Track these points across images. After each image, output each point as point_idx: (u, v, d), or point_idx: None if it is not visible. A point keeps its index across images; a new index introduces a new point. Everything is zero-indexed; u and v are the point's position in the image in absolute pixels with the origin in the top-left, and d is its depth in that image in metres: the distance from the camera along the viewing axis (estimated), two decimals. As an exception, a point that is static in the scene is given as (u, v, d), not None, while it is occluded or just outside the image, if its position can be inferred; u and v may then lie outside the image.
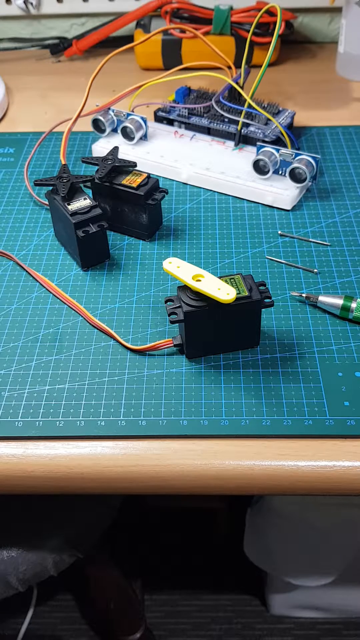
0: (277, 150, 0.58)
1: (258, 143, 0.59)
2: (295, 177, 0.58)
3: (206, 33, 0.75)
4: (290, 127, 0.66)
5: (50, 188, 0.53)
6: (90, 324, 0.49)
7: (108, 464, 0.41)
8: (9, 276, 0.54)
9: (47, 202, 0.58)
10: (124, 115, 0.63)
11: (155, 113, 0.67)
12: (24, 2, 0.82)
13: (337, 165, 0.63)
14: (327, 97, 0.74)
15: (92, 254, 0.53)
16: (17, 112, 0.74)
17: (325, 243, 0.55)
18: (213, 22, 0.75)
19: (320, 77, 0.78)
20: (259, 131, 0.63)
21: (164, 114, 0.67)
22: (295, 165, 0.57)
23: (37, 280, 0.53)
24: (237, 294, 0.43)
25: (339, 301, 0.47)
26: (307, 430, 0.41)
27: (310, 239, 0.55)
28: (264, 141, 0.61)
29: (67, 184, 0.52)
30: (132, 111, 0.64)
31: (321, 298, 0.48)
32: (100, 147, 0.64)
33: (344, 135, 0.67)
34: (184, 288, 0.44)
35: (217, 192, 0.61)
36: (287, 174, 0.58)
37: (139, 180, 0.53)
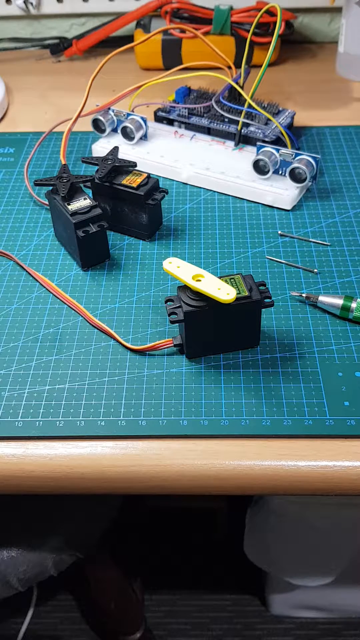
0: (277, 150, 0.58)
1: (258, 143, 0.59)
2: (295, 177, 0.58)
3: (206, 33, 0.75)
4: (290, 127, 0.66)
5: (50, 188, 0.53)
6: (90, 324, 0.49)
7: (108, 464, 0.41)
8: (9, 276, 0.54)
9: (47, 202, 0.58)
10: (124, 115, 0.63)
11: (155, 113, 0.67)
12: (24, 2, 0.82)
13: (337, 165, 0.63)
14: (327, 97, 0.74)
15: (92, 254, 0.53)
16: (17, 112, 0.74)
17: (325, 243, 0.55)
18: (213, 22, 0.74)
19: (320, 77, 0.78)
20: (259, 131, 0.63)
21: (164, 114, 0.67)
22: (295, 165, 0.57)
23: (37, 280, 0.53)
24: (237, 294, 0.43)
25: (339, 301, 0.47)
26: (307, 430, 0.41)
27: (310, 239, 0.55)
28: (264, 141, 0.61)
29: (67, 184, 0.52)
30: (132, 111, 0.64)
31: (321, 298, 0.48)
32: (100, 147, 0.64)
33: (344, 135, 0.67)
34: (184, 288, 0.44)
35: (217, 192, 0.61)
36: (287, 174, 0.58)
37: (139, 180, 0.53)
